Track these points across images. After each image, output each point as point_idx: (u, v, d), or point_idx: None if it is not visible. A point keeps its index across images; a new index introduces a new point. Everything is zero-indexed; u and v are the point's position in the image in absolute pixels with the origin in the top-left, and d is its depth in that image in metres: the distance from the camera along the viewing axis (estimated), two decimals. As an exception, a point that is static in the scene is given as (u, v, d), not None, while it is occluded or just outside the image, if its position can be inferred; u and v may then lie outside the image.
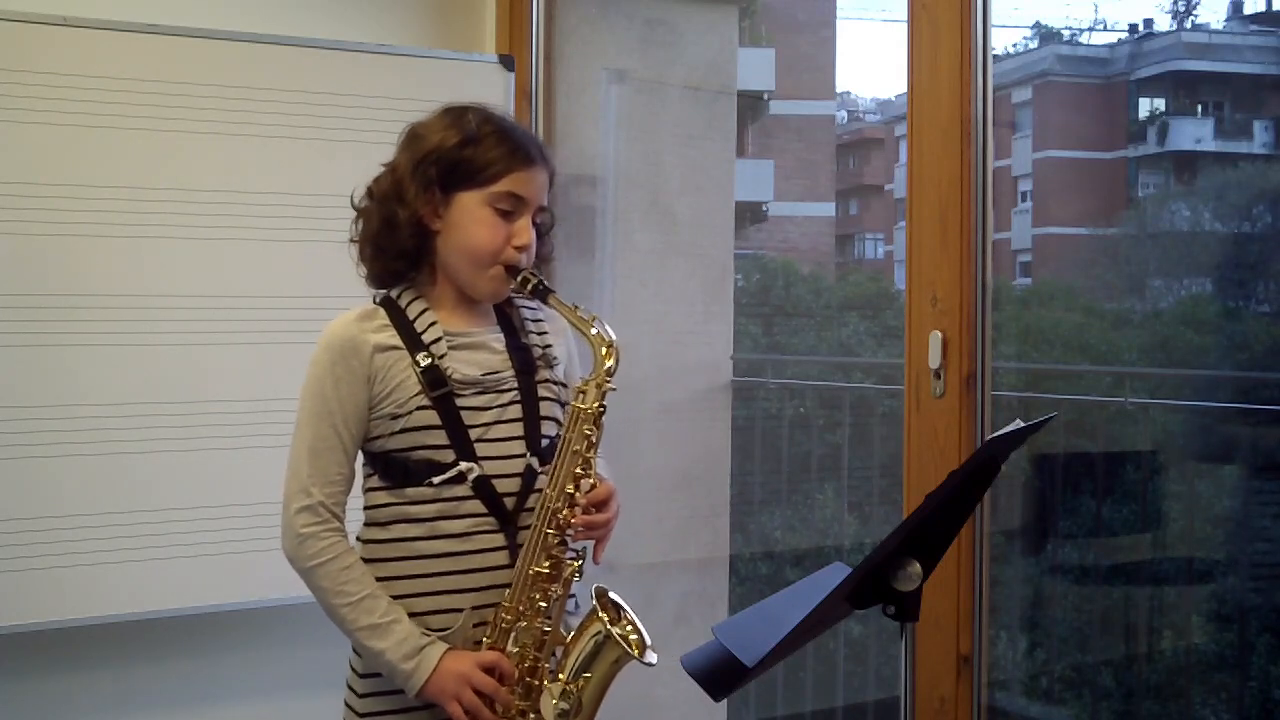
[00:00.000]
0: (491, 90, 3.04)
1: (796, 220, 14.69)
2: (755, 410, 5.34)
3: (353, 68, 2.96)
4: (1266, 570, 4.69)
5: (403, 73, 2.99)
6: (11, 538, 2.64)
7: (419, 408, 1.81)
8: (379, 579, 1.83)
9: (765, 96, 13.51)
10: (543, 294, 1.84)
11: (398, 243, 1.84)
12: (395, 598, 1.82)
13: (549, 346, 1.94)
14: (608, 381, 1.82)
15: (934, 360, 2.29)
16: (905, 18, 2.35)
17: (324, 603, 1.82)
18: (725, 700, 3.12)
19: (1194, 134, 11.35)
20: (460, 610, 1.82)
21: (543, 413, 1.89)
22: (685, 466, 3.58)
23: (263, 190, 2.87)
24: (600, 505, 1.84)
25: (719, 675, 1.59)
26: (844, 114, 17.24)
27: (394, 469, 1.84)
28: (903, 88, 3.42)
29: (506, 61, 3.15)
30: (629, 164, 3.55)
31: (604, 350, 1.82)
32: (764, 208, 13.82)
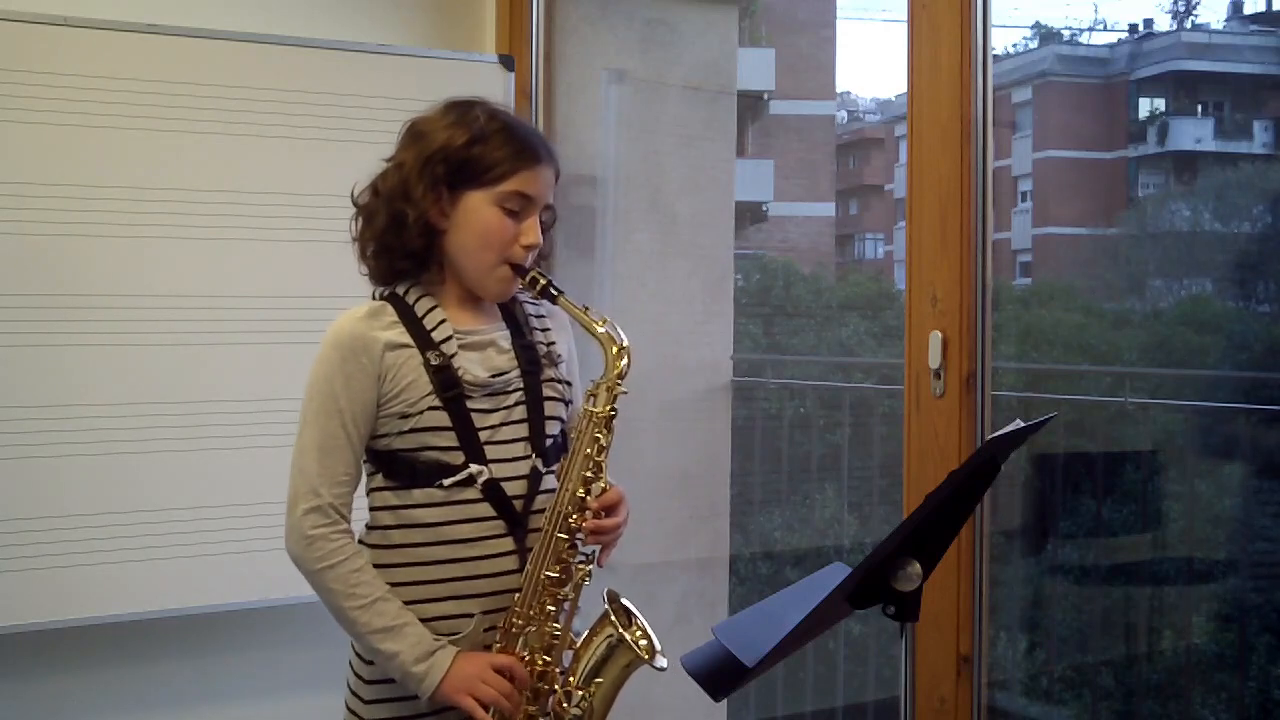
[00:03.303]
0: (491, 90, 3.03)
1: (796, 220, 14.69)
2: (755, 410, 5.33)
3: (353, 68, 2.96)
4: (1266, 570, 4.69)
5: (403, 73, 2.99)
6: (11, 538, 2.64)
7: (430, 408, 1.80)
8: (385, 583, 1.81)
9: (765, 96, 13.51)
10: (552, 295, 1.83)
11: (406, 242, 1.83)
12: (403, 602, 1.80)
13: (553, 344, 1.94)
14: (618, 385, 1.81)
15: (934, 360, 2.29)
16: (905, 18, 2.35)
17: (333, 605, 1.80)
18: (725, 700, 3.12)
19: (1194, 134, 11.36)
20: (470, 615, 1.81)
21: (547, 413, 1.89)
22: (685, 466, 3.58)
23: (263, 190, 2.86)
24: (610, 509, 1.83)
25: (719, 675, 1.59)
26: (844, 114, 17.25)
27: (400, 469, 1.83)
28: (903, 88, 3.42)
29: (506, 61, 3.15)
30: (629, 164, 3.55)
31: (615, 352, 1.81)
32: (764, 208, 13.83)
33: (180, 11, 2.88)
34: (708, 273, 3.67)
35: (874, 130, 17.09)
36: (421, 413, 1.80)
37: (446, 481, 1.80)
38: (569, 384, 1.94)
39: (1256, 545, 4.78)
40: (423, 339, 1.82)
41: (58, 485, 2.69)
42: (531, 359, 1.89)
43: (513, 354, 1.88)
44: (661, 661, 1.79)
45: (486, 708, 1.77)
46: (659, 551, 3.48)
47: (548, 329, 1.95)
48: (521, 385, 1.87)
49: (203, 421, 2.80)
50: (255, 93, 2.86)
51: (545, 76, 3.32)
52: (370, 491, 1.88)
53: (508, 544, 1.83)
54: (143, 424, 2.75)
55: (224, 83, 2.83)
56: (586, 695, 1.79)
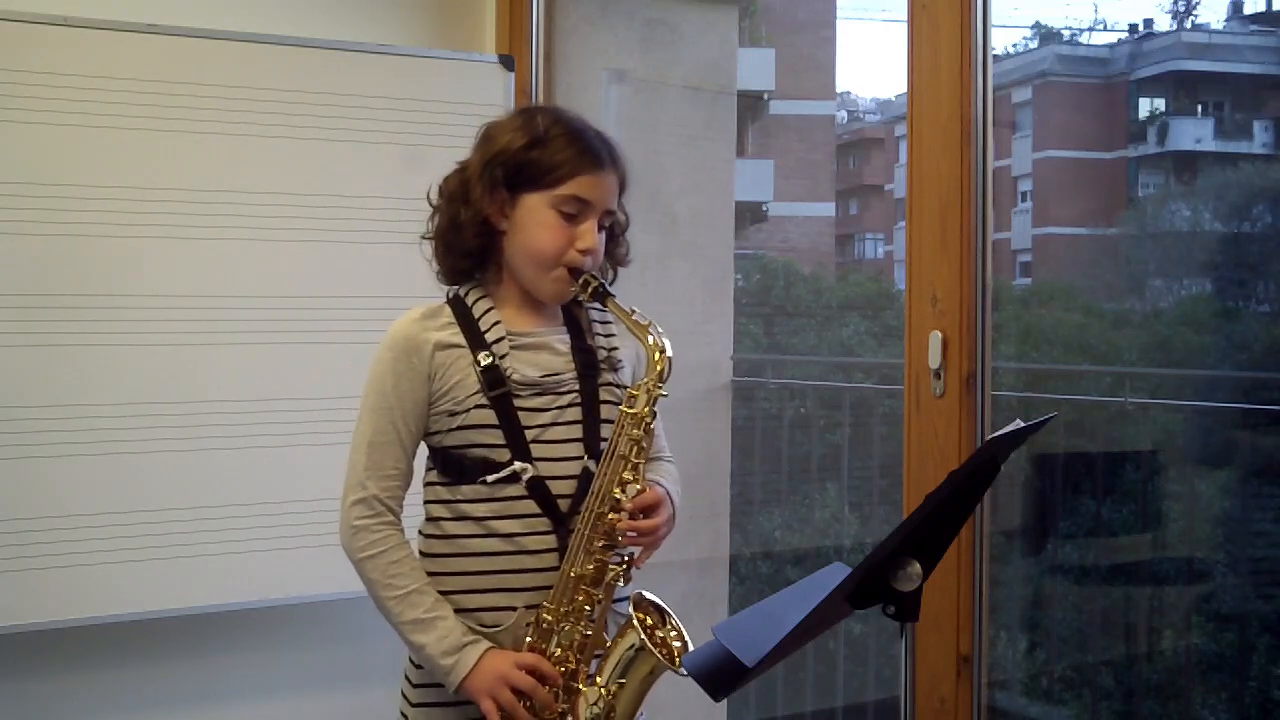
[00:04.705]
0: (491, 90, 3.04)
1: (796, 220, 14.70)
2: (755, 410, 5.34)
3: (353, 68, 2.96)
4: (1266, 571, 4.70)
5: (403, 73, 2.99)
6: (11, 538, 2.64)
7: (476, 406, 1.83)
8: (433, 574, 1.85)
9: (765, 96, 13.52)
10: (601, 297, 1.85)
11: (463, 242, 1.87)
12: (448, 593, 1.84)
13: (615, 349, 1.96)
14: (659, 388, 1.83)
15: (934, 360, 2.29)
16: (905, 18, 2.35)
17: (372, 594, 1.85)
18: (725, 700, 3.12)
19: (1194, 134, 11.37)
20: (512, 609, 1.83)
21: (603, 415, 1.90)
22: (685, 466, 3.54)
23: (263, 190, 2.86)
24: (649, 510, 1.84)
25: (719, 675, 1.59)
26: (844, 114, 17.27)
27: (451, 466, 1.86)
28: (903, 88, 3.42)
29: (506, 61, 3.15)
30: (629, 164, 3.55)
31: (656, 356, 1.83)
32: (764, 208, 13.84)
33: (180, 11, 2.88)
34: (708, 273, 3.67)
35: (874, 130, 17.10)
36: (468, 410, 1.83)
37: (490, 478, 1.83)
38: (627, 388, 1.94)
39: (1256, 545, 4.78)
40: (475, 339, 1.86)
41: (58, 485, 2.68)
42: (588, 362, 1.91)
43: (569, 357, 1.90)
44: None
45: (504, 713, 1.79)
46: (659, 551, 3.47)
47: (611, 334, 1.97)
48: (576, 388, 1.89)
49: (203, 421, 2.79)
50: (255, 93, 2.85)
51: (545, 76, 3.32)
52: (426, 485, 1.92)
53: (551, 541, 1.85)
54: (143, 424, 2.75)
55: (224, 83, 2.83)
56: (606, 695, 1.80)
